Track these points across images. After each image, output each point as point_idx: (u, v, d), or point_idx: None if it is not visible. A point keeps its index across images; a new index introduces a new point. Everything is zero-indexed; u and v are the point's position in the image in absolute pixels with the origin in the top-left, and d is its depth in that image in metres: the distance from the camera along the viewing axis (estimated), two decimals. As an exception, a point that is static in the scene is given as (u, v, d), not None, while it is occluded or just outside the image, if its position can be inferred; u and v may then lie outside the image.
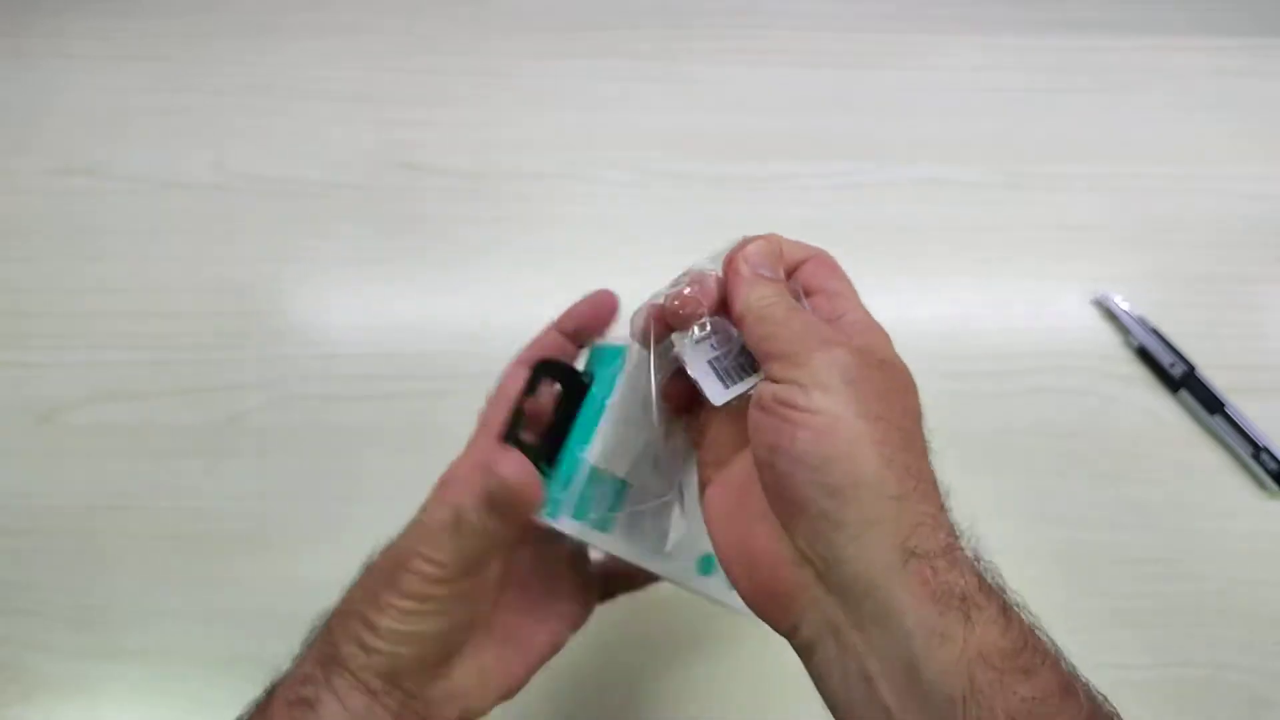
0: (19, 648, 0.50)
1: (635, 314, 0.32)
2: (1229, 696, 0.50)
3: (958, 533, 0.26)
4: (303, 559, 0.50)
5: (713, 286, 0.30)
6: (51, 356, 0.56)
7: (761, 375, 0.28)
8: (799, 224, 0.59)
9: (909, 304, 0.58)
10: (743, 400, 0.29)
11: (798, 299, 0.30)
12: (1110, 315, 0.58)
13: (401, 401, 0.55)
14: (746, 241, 0.30)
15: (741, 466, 0.29)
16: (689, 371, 0.30)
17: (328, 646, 0.31)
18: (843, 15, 0.66)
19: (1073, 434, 0.55)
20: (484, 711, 0.34)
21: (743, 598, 0.29)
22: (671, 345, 0.30)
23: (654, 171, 0.61)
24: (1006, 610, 0.25)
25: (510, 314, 0.58)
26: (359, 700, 0.31)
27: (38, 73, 0.64)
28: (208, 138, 0.62)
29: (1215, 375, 0.56)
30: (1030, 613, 0.26)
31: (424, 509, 0.33)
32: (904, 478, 0.25)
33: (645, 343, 0.31)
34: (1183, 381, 0.55)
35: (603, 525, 0.34)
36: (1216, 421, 0.55)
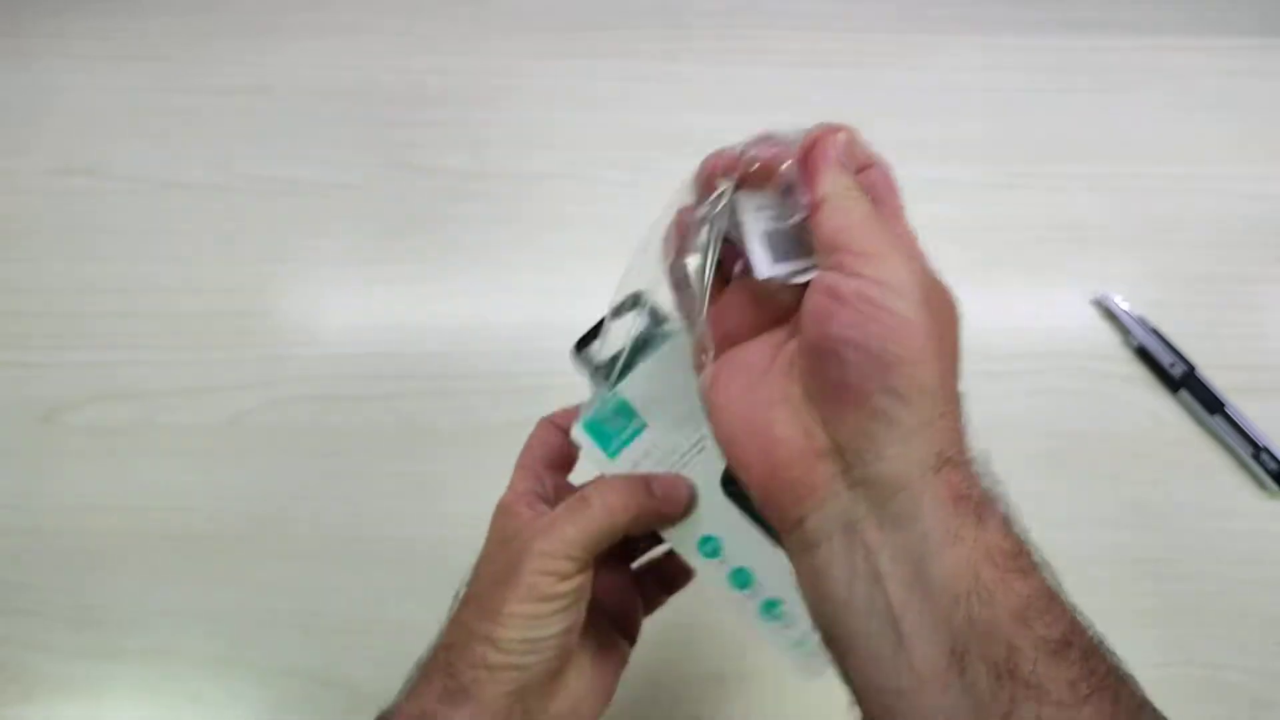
0: (19, 647, 0.50)
1: (698, 171, 0.32)
2: (1228, 696, 0.50)
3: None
4: (303, 559, 0.50)
5: (791, 159, 0.29)
6: (52, 357, 0.56)
7: (813, 263, 0.28)
8: (799, 224, 0.60)
9: (909, 304, 0.58)
10: (779, 282, 0.28)
11: None
12: (1110, 315, 0.58)
13: (401, 401, 0.55)
14: (829, 128, 0.29)
15: (759, 350, 0.29)
16: (744, 234, 0.29)
17: (447, 680, 0.31)
18: (842, 15, 0.66)
19: (1072, 434, 0.55)
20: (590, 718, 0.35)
21: (750, 484, 0.29)
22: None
23: (653, 171, 0.61)
24: (1007, 517, 0.26)
25: (510, 314, 0.58)
26: None
27: (38, 73, 0.64)
28: (208, 138, 0.62)
29: (1215, 375, 0.56)
30: (1022, 524, 0.27)
31: (511, 514, 0.34)
32: (952, 394, 0.26)
33: (703, 193, 0.31)
34: (1183, 381, 0.55)
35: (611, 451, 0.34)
36: (1216, 421, 0.55)
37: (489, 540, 0.34)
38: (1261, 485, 0.54)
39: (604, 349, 0.35)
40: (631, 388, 0.34)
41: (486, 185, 0.61)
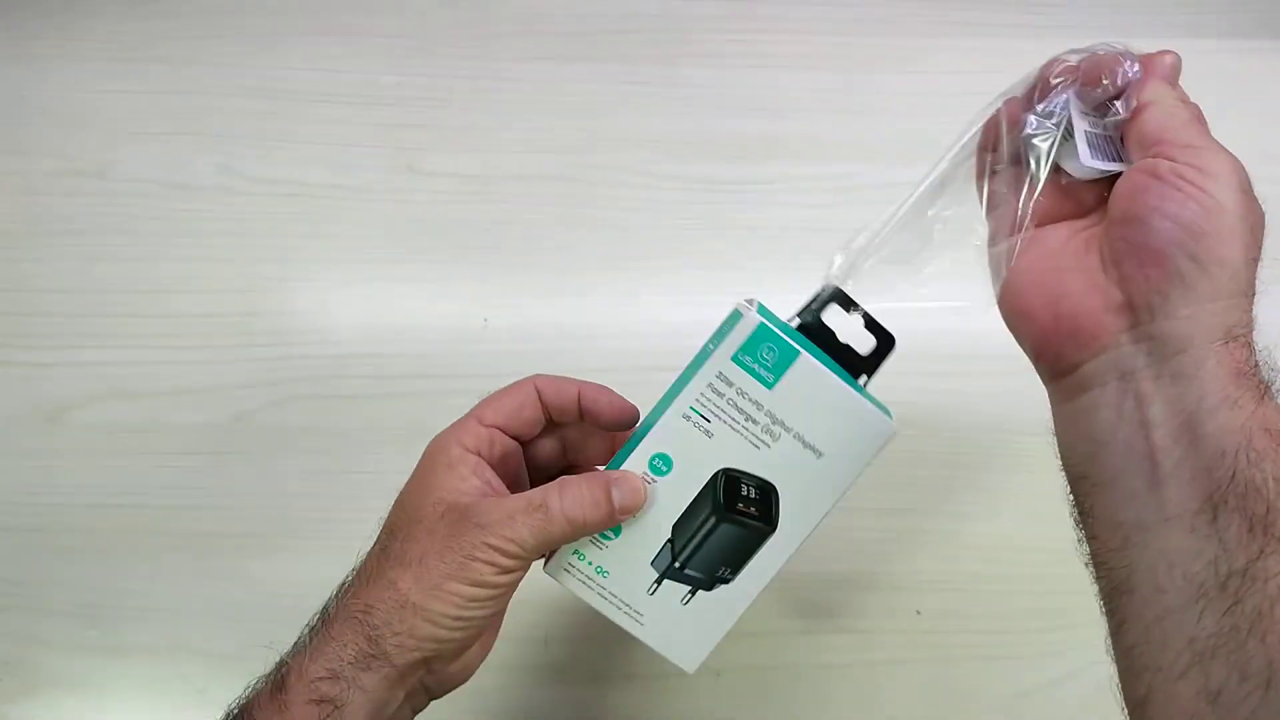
0: (24, 644, 0.51)
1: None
2: (1223, 693, 0.50)
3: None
4: (307, 557, 0.51)
5: (1122, 68, 0.31)
6: (59, 356, 0.57)
7: (1125, 166, 0.30)
8: (797, 225, 0.60)
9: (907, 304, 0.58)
10: (1094, 175, 0.31)
11: None
12: (1105, 316, 0.58)
13: (405, 401, 0.55)
14: (1162, 51, 0.33)
15: (1059, 233, 0.32)
16: (1071, 129, 0.31)
17: (366, 644, 0.31)
18: (839, 20, 0.66)
19: (1068, 433, 0.56)
20: (473, 672, 0.36)
21: (1034, 333, 0.32)
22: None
23: (653, 174, 0.62)
24: None
25: (512, 315, 0.58)
26: (384, 690, 0.31)
27: (45, 75, 0.65)
28: (213, 140, 0.63)
29: (1209, 375, 0.56)
30: None
31: (454, 472, 0.33)
32: (1249, 282, 0.28)
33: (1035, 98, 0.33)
34: (1177, 381, 0.56)
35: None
36: (1210, 421, 0.55)
37: (424, 490, 0.33)
38: (1255, 484, 0.55)
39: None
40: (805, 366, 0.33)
41: (488, 188, 0.61)
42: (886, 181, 0.62)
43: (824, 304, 0.35)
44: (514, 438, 0.36)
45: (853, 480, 0.34)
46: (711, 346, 0.34)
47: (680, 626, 0.35)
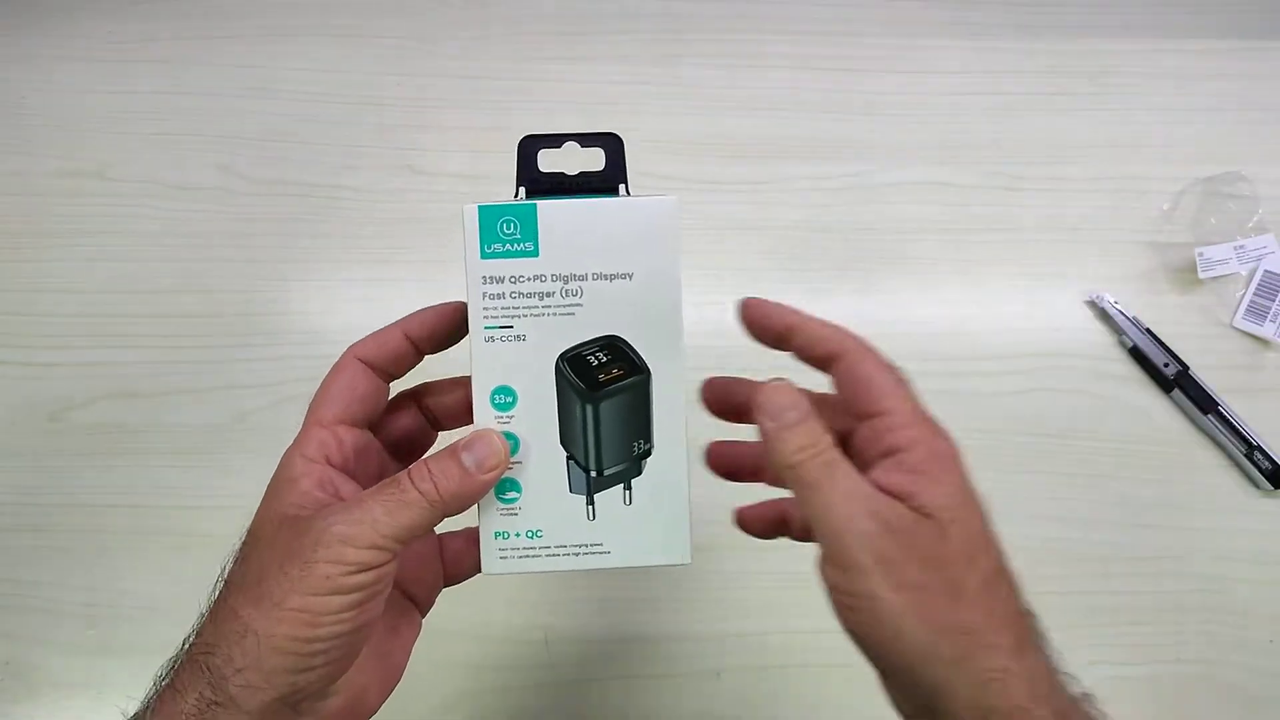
0: (25, 644, 0.51)
1: None
2: (1222, 694, 0.51)
3: (1044, 675, 0.27)
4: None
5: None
6: (59, 356, 0.57)
7: None
8: (797, 226, 0.60)
9: (905, 304, 0.59)
10: None
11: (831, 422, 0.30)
12: (1104, 315, 0.58)
13: (404, 401, 0.55)
14: (769, 388, 0.29)
15: None
16: None
17: (207, 689, 0.26)
18: (839, 20, 0.66)
19: (1067, 433, 0.56)
20: (373, 712, 0.31)
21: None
22: None
23: (653, 174, 0.62)
24: None
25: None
26: None
27: (47, 76, 0.65)
28: (213, 141, 0.63)
29: (1208, 375, 0.56)
30: None
31: (297, 486, 0.29)
32: (956, 640, 0.26)
33: None
34: (1176, 381, 0.56)
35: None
36: (1210, 421, 0.55)
37: (266, 511, 0.29)
38: (1255, 484, 0.55)
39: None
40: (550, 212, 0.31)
41: (487, 188, 0.61)
42: (885, 182, 0.62)
43: (530, 159, 0.32)
44: (363, 425, 0.32)
45: (677, 267, 0.31)
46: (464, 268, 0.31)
47: (643, 528, 0.32)
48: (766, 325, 0.31)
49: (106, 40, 0.66)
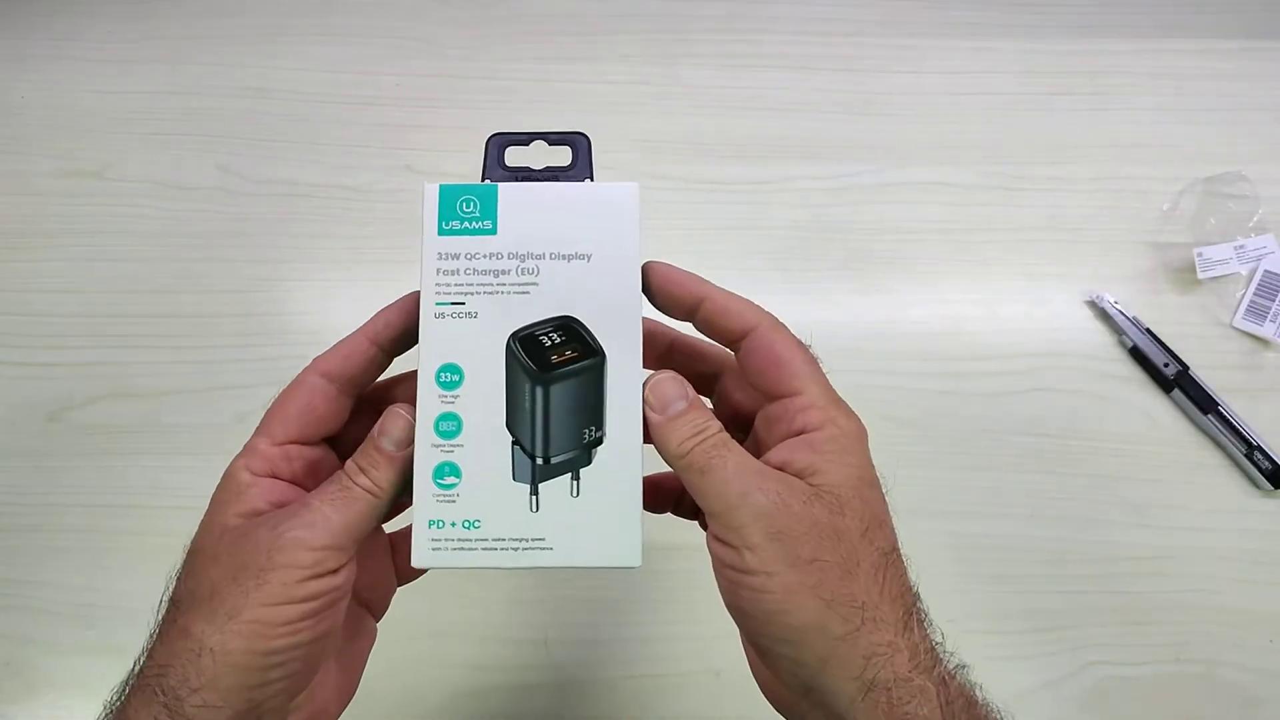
0: (24, 644, 0.51)
1: None
2: (1222, 694, 0.50)
3: (927, 649, 0.27)
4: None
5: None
6: (58, 356, 0.57)
7: None
8: (796, 226, 0.60)
9: (905, 305, 0.59)
10: None
11: (729, 412, 0.30)
12: (1104, 315, 0.58)
13: (404, 401, 0.55)
14: (654, 381, 0.29)
15: None
16: None
17: (164, 714, 0.25)
18: (838, 20, 0.66)
19: (1066, 433, 0.56)
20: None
21: (772, 706, 0.30)
22: None
23: (652, 174, 0.62)
24: None
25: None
26: None
27: (45, 76, 0.65)
28: (213, 141, 0.63)
29: (1208, 375, 0.56)
30: None
31: (243, 499, 0.28)
32: (848, 615, 0.26)
33: None
34: (1176, 381, 0.56)
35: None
36: (1210, 421, 0.55)
37: (209, 525, 0.28)
38: (1255, 484, 0.55)
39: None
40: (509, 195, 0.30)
41: (488, 188, 0.61)
42: (884, 182, 0.62)
43: (498, 153, 0.32)
44: (318, 442, 0.31)
45: (636, 252, 0.30)
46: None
47: (590, 524, 0.29)
48: (675, 294, 0.30)
49: (106, 40, 0.66)
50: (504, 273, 0.30)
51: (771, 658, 0.27)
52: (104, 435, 0.55)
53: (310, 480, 0.30)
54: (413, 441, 0.29)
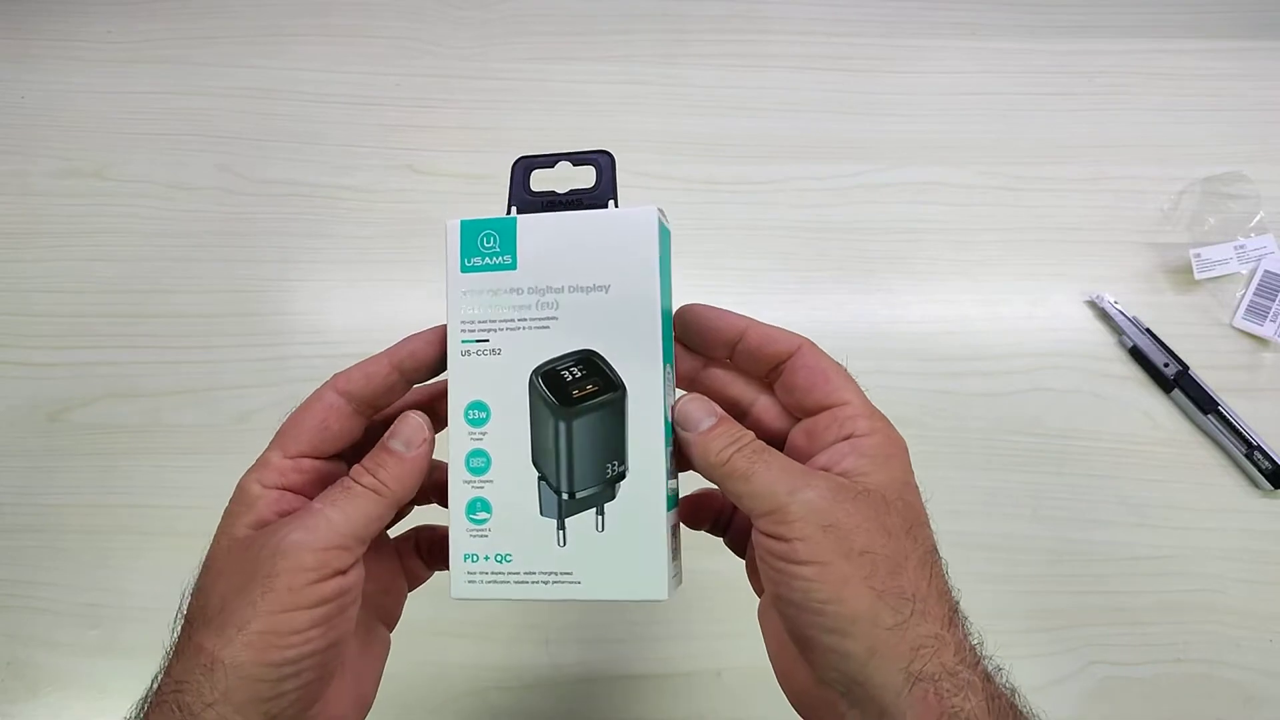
0: (25, 644, 0.51)
1: None
2: (1222, 694, 0.51)
3: (969, 647, 0.27)
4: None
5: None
6: (59, 356, 0.57)
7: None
8: (795, 226, 0.60)
9: (905, 304, 0.59)
10: None
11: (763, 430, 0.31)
12: (1104, 315, 0.58)
13: (404, 401, 0.55)
14: (681, 403, 0.30)
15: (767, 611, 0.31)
16: None
17: None
18: (839, 20, 0.66)
19: (1066, 433, 0.56)
20: None
21: (792, 705, 0.30)
22: None
23: (652, 174, 0.62)
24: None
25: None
26: None
27: (46, 75, 0.65)
28: (213, 140, 0.63)
29: (1208, 375, 0.56)
30: None
31: (253, 509, 0.28)
32: (898, 605, 0.26)
33: None
34: (1176, 381, 0.56)
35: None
36: (1210, 421, 0.55)
37: (221, 538, 0.29)
38: (1255, 484, 0.55)
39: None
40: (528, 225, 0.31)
41: (487, 187, 0.61)
42: (884, 182, 0.62)
43: (523, 178, 0.32)
44: (331, 456, 0.31)
45: (657, 284, 0.30)
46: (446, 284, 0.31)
47: (615, 558, 0.30)
48: (721, 330, 0.31)
49: (106, 40, 0.66)
50: (525, 307, 0.30)
51: (816, 650, 0.27)
52: (104, 435, 0.55)
53: (319, 491, 0.30)
54: (424, 443, 0.30)
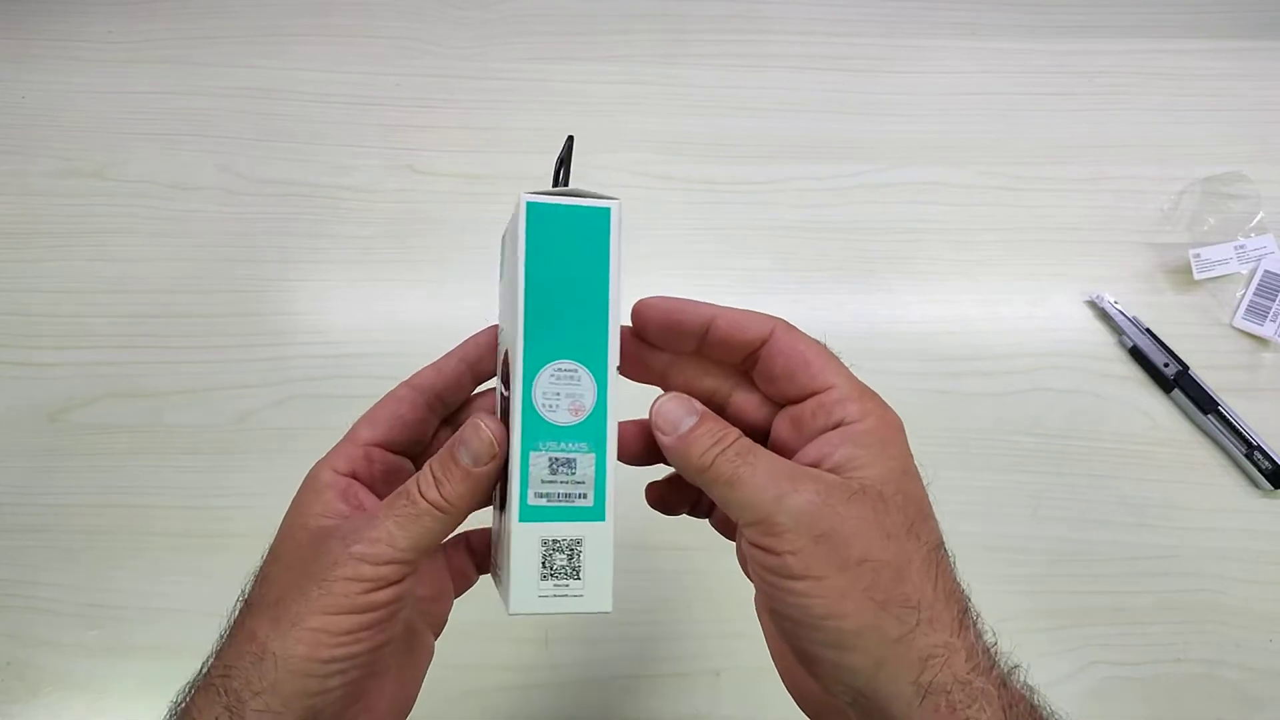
0: (25, 644, 0.51)
1: None
2: (1222, 694, 0.51)
3: (982, 650, 0.26)
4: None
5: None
6: (59, 356, 0.57)
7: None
8: (795, 226, 0.60)
9: (905, 304, 0.59)
10: None
11: (734, 418, 0.29)
12: (1104, 315, 0.58)
13: (404, 401, 0.55)
14: (659, 403, 0.28)
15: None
16: None
17: (225, 715, 0.25)
18: (839, 20, 0.66)
19: (1067, 433, 0.56)
20: None
21: (798, 706, 0.29)
22: None
23: (652, 174, 0.62)
24: None
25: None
26: None
27: (46, 75, 0.65)
28: (214, 140, 0.63)
29: (1208, 375, 0.56)
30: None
31: (321, 501, 0.28)
32: (903, 615, 0.25)
33: None
34: (1176, 381, 0.56)
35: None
36: (1210, 421, 0.55)
37: (289, 525, 0.29)
38: (1255, 484, 0.55)
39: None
40: None
41: (488, 187, 0.61)
42: (884, 182, 0.62)
43: (562, 165, 0.32)
44: (401, 451, 0.31)
45: (605, 282, 0.28)
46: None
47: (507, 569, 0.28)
48: (684, 321, 0.29)
49: (106, 40, 0.66)
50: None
51: (819, 665, 0.26)
52: (104, 435, 0.55)
53: (386, 488, 0.30)
54: (492, 460, 0.28)
